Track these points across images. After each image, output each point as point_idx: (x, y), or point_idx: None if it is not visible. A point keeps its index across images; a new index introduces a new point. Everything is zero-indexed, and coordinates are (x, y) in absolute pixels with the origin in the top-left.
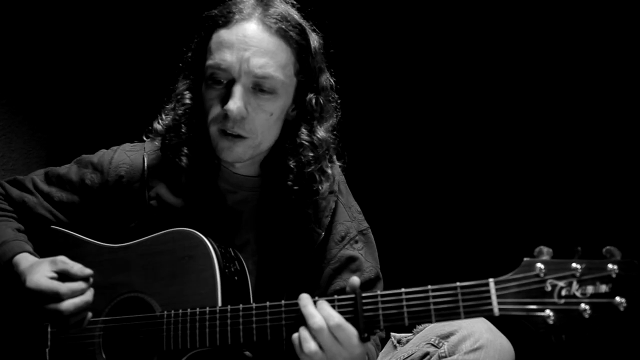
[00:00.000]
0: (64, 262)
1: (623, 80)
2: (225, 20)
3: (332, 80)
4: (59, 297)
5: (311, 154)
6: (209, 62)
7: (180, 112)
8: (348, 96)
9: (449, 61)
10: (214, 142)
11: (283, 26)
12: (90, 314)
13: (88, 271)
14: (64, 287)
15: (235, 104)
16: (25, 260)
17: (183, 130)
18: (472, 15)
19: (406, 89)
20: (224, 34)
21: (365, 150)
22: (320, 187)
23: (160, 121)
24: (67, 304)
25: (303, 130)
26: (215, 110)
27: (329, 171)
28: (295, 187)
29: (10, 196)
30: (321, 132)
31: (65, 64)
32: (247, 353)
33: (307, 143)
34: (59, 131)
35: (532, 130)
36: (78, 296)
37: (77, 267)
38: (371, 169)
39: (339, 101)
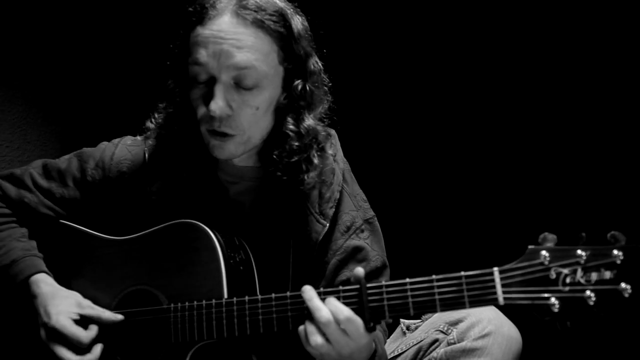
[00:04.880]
0: (92, 307)
1: (622, 69)
2: (200, 17)
3: (320, 64)
4: (78, 345)
5: (296, 144)
6: (189, 61)
7: (170, 110)
8: (352, 83)
9: (449, 45)
10: (205, 140)
11: (259, 16)
12: None
13: (119, 317)
14: (86, 337)
15: (216, 104)
16: (44, 284)
17: (176, 128)
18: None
19: (410, 75)
20: (199, 31)
21: (370, 140)
22: (305, 177)
23: (153, 120)
24: None
25: (289, 119)
26: (202, 110)
27: (316, 161)
28: (284, 178)
29: (8, 196)
30: (309, 120)
31: (79, 57)
32: (254, 358)
33: (292, 133)
34: (74, 123)
35: (535, 117)
36: (88, 354)
37: (107, 314)
38: (376, 158)
39: (329, 85)
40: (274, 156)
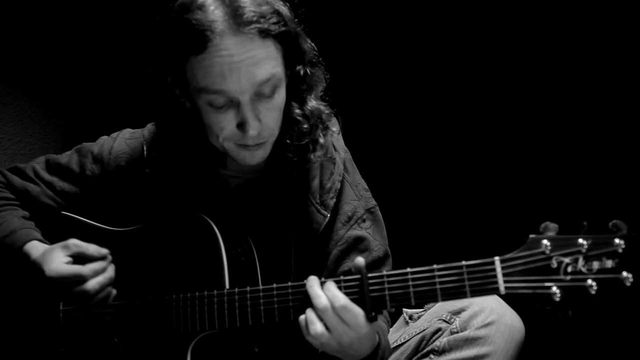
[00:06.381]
0: (77, 245)
1: (621, 61)
2: (200, 46)
3: (310, 42)
4: (82, 279)
5: (305, 126)
6: (201, 89)
7: (181, 134)
8: (354, 74)
9: (452, 39)
10: (232, 153)
11: (264, 26)
12: (114, 291)
13: (104, 250)
14: (86, 268)
15: (251, 125)
16: (35, 249)
17: (191, 148)
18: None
19: (412, 65)
20: (205, 59)
21: (372, 129)
22: (312, 157)
23: (161, 146)
24: (93, 284)
25: (293, 104)
26: (227, 131)
27: (321, 141)
28: (295, 159)
29: (12, 185)
30: (312, 102)
31: (79, 51)
32: (256, 349)
33: (299, 117)
34: (75, 116)
35: (537, 108)
36: (101, 274)
37: (92, 248)
38: (378, 148)
39: (322, 61)
40: (287, 141)
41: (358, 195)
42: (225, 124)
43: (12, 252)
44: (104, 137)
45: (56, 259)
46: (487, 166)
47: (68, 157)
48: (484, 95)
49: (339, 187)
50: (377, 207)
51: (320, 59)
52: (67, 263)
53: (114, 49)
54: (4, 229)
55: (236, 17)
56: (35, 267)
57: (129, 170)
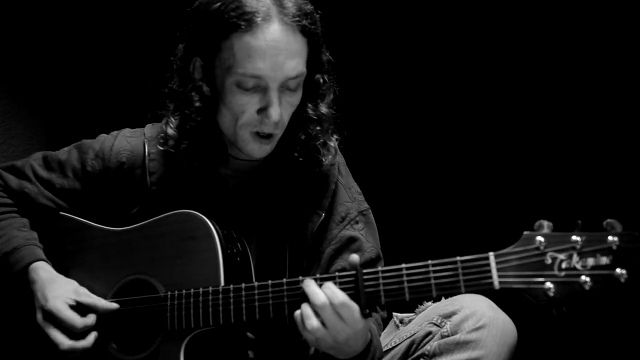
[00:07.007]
0: (88, 295)
1: (617, 61)
2: (247, 25)
3: (328, 54)
4: (72, 329)
5: (318, 128)
6: (238, 70)
7: (193, 117)
8: (347, 74)
9: (438, 40)
10: (242, 142)
11: (303, 22)
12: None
13: (114, 305)
14: (80, 322)
15: (276, 111)
16: (43, 271)
17: (199, 134)
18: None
19: (400, 66)
20: (250, 40)
21: (364, 128)
22: (323, 160)
23: (171, 126)
24: (68, 345)
25: (310, 105)
26: (247, 115)
27: (331, 144)
28: (301, 159)
29: (9, 186)
30: (324, 108)
31: (63, 49)
32: (250, 335)
33: (314, 117)
34: (59, 116)
35: (531, 106)
36: (81, 340)
37: (102, 302)
38: (371, 146)
39: (334, 76)
40: (302, 137)
41: (351, 198)
42: (247, 108)
43: (16, 271)
44: (104, 135)
45: (61, 297)
46: (482, 164)
47: (67, 153)
48: (479, 94)
49: (333, 187)
50: (370, 211)
51: (333, 73)
52: (71, 306)
53: (100, 48)
54: (7, 244)
55: (282, 7)
56: (36, 289)
57: (130, 167)
